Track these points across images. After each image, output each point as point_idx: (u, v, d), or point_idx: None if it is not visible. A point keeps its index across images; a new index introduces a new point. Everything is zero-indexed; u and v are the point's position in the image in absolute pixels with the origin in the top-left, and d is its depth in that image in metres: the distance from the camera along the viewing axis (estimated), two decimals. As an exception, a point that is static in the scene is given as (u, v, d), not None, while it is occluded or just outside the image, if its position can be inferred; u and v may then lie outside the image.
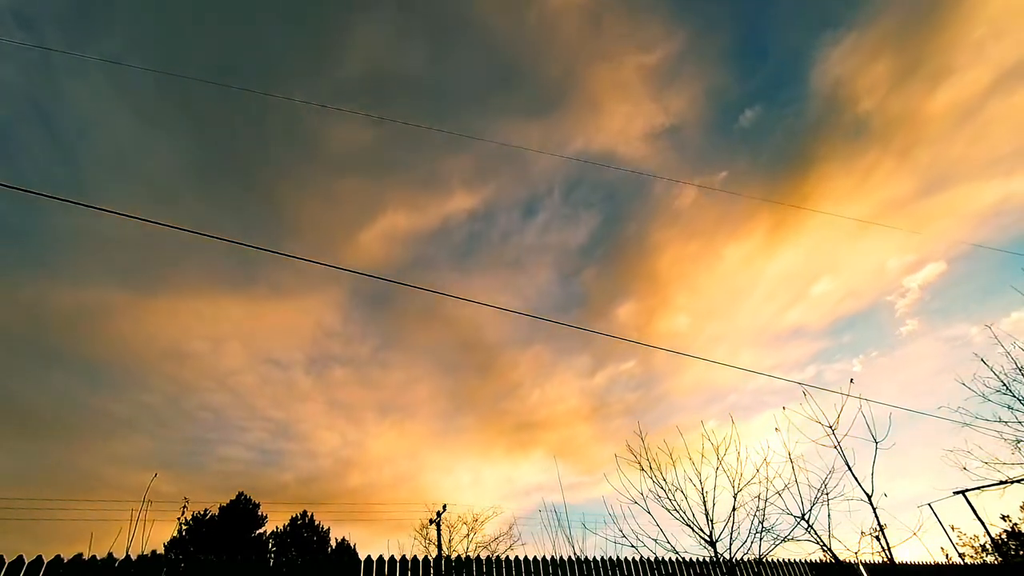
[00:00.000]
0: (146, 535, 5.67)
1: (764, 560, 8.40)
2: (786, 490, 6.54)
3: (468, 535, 18.10)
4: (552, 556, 7.45)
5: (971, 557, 16.91)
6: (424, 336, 38.81)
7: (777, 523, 6.75)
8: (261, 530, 23.13)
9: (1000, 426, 9.47)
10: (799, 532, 6.43)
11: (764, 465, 6.81)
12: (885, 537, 6.10)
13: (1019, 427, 9.41)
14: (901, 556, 10.53)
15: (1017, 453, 9.44)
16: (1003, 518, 17.51)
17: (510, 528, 17.89)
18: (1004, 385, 9.44)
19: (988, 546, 16.53)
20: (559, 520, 7.70)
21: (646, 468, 7.32)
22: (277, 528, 23.58)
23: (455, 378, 39.77)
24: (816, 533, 6.28)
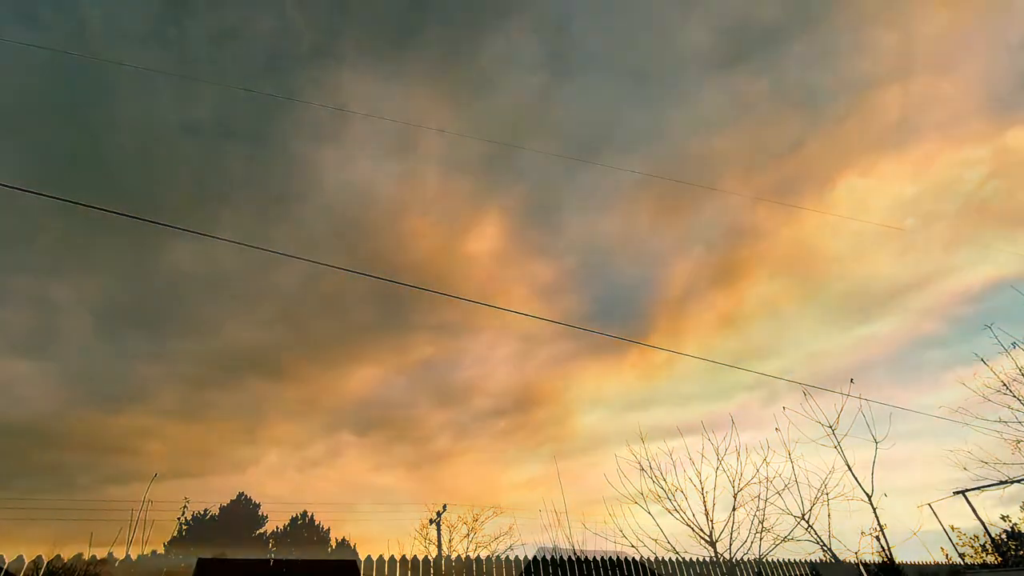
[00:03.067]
0: (146, 535, 5.67)
1: (764, 560, 8.40)
2: (786, 490, 6.55)
3: (468, 535, 18.06)
4: (552, 556, 7.44)
5: (971, 557, 16.86)
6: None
7: (777, 523, 6.76)
8: (261, 530, 23.14)
9: (1000, 426, 9.47)
10: (799, 532, 6.44)
11: (764, 465, 6.82)
12: (885, 537, 6.10)
13: (1019, 427, 9.41)
14: (901, 556, 10.52)
15: (1017, 453, 9.44)
16: (1003, 518, 17.46)
17: (510, 528, 17.88)
18: (1004, 385, 9.44)
19: (988, 546, 16.49)
20: (559, 520, 7.70)
21: (646, 468, 7.33)
22: (277, 528, 23.59)
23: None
24: (816, 533, 6.29)
